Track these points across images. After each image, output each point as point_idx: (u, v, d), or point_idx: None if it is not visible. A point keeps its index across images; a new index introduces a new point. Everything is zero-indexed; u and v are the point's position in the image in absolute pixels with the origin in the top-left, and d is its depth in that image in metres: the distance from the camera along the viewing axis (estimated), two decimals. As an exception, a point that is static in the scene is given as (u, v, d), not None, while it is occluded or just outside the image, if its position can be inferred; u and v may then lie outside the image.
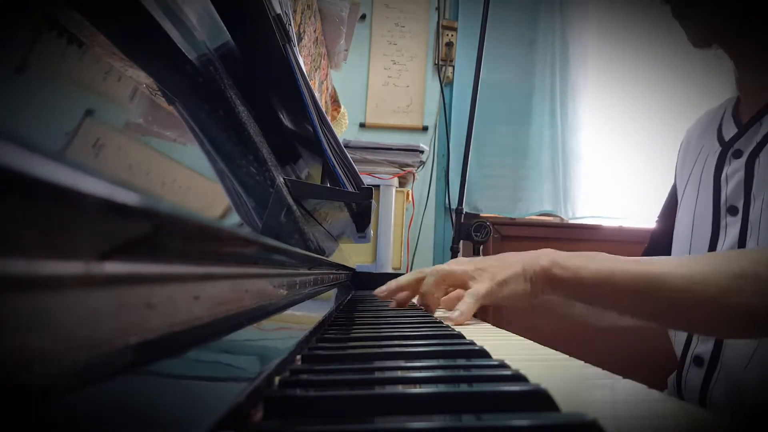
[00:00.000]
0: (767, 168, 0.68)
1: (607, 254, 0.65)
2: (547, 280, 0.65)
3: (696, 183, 0.80)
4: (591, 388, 0.32)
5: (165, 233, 0.17)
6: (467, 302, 0.64)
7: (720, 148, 0.77)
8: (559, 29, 2.50)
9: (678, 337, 0.82)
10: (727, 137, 0.77)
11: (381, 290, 0.75)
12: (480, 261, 0.69)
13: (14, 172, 0.10)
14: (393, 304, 0.77)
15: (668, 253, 0.87)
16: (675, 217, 0.88)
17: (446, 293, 0.73)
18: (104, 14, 0.25)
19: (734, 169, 0.73)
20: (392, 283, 0.74)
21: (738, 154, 0.73)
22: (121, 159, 0.23)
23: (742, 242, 0.70)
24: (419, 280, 0.72)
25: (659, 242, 0.93)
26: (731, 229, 0.72)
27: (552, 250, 0.67)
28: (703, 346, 0.75)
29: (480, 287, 0.65)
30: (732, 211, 0.73)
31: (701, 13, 0.71)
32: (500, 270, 0.66)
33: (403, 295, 0.77)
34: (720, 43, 0.73)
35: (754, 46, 0.71)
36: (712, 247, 0.75)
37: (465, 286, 0.67)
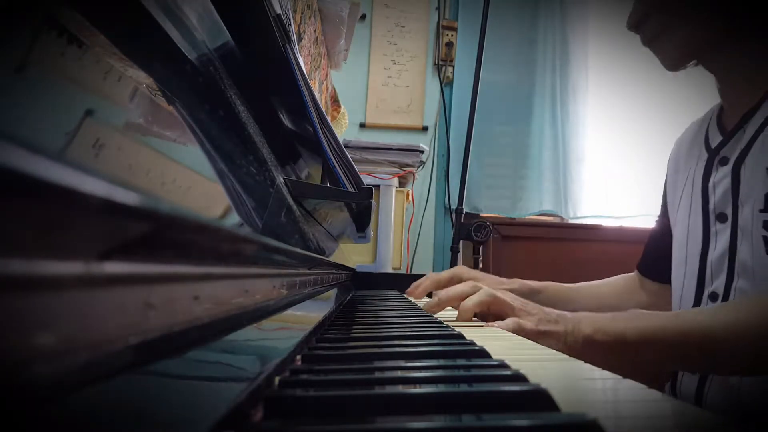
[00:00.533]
0: (753, 174, 0.68)
1: (644, 311, 0.64)
2: (591, 347, 0.63)
3: (689, 194, 0.81)
4: (591, 388, 0.32)
5: (165, 233, 0.17)
6: (510, 324, 0.62)
7: (707, 156, 0.78)
8: (559, 29, 2.50)
9: None
10: (713, 145, 0.78)
11: (432, 305, 0.72)
12: (526, 302, 0.68)
13: (14, 172, 0.10)
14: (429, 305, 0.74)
15: (660, 258, 0.90)
16: (666, 223, 0.91)
17: (483, 318, 0.70)
18: (104, 14, 0.25)
19: (721, 177, 0.74)
20: (442, 295, 0.71)
21: (724, 162, 0.74)
22: (121, 159, 0.23)
23: (732, 248, 0.71)
24: (468, 294, 0.70)
25: (659, 240, 0.94)
26: (721, 235, 0.74)
27: (591, 315, 0.65)
28: None
29: (525, 323, 0.63)
30: (721, 218, 0.74)
31: (678, 36, 0.72)
32: (544, 322, 0.64)
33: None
34: (699, 60, 0.75)
35: (734, 59, 0.73)
36: (704, 253, 0.76)
37: (503, 317, 0.65)
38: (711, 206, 0.76)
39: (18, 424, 0.11)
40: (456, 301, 0.70)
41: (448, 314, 0.75)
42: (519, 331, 0.62)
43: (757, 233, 0.67)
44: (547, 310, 0.67)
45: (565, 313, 0.66)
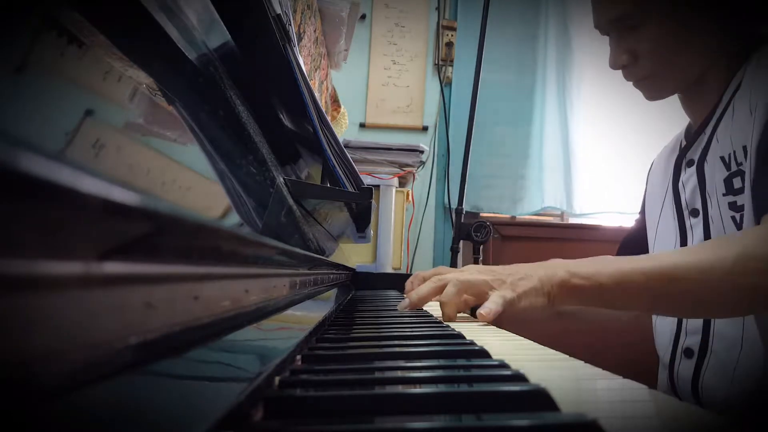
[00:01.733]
0: (713, 169, 0.76)
1: (612, 256, 0.68)
2: (566, 292, 0.66)
3: (670, 199, 0.88)
4: (591, 388, 0.32)
5: (165, 233, 0.17)
6: (496, 301, 0.64)
7: (676, 156, 0.87)
8: (560, 27, 2.50)
9: (661, 338, 0.88)
10: (678, 150, 0.88)
11: (404, 306, 0.71)
12: (497, 271, 0.69)
13: (14, 172, 0.10)
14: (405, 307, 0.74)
15: (641, 246, 0.96)
16: (644, 225, 0.97)
17: (465, 303, 0.71)
18: (104, 14, 0.25)
19: (688, 176, 0.83)
20: (413, 296, 0.71)
21: (690, 163, 0.83)
22: (121, 159, 0.23)
23: (707, 237, 0.78)
24: (440, 289, 0.71)
25: (632, 238, 1.02)
26: (696, 228, 0.81)
27: (562, 261, 0.69)
28: (691, 339, 0.80)
29: (504, 293, 0.65)
30: (694, 213, 0.82)
31: (666, 80, 0.81)
32: (518, 282, 0.66)
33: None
34: (673, 92, 0.84)
35: (702, 86, 0.82)
36: (683, 246, 0.82)
37: (484, 297, 0.66)
38: (683, 203, 0.83)
39: (18, 424, 0.11)
40: (427, 300, 0.71)
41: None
42: (504, 304, 0.63)
43: (726, 215, 0.73)
44: (515, 267, 0.69)
45: (534, 264, 0.70)
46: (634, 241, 1.00)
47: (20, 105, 0.17)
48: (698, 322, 0.79)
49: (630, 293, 0.65)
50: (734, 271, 0.60)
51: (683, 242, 0.83)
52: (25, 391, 0.11)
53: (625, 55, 0.81)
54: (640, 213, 1.04)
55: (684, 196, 0.83)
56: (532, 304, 0.66)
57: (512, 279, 0.66)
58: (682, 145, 0.88)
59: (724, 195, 0.73)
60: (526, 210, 2.43)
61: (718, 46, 0.79)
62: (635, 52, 0.80)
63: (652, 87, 0.83)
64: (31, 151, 0.10)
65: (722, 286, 0.61)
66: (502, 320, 0.65)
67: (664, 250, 0.72)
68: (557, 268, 0.67)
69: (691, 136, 0.86)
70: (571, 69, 2.48)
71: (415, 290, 0.72)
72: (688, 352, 0.80)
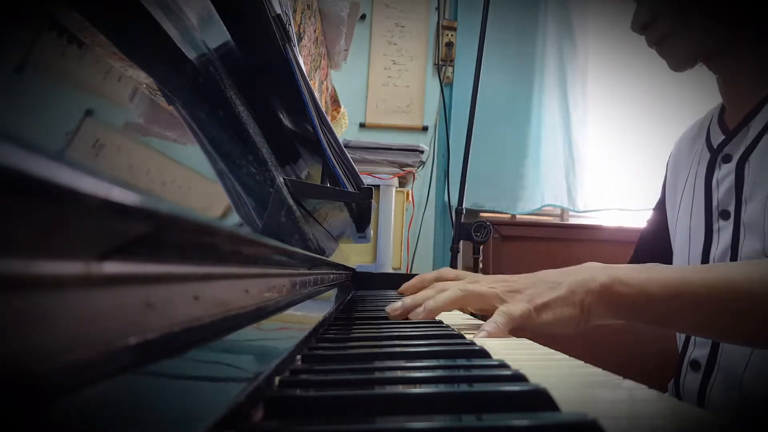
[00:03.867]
0: (758, 171, 0.68)
1: (662, 265, 0.59)
2: (606, 301, 0.55)
3: (690, 192, 0.80)
4: (591, 388, 0.32)
5: (165, 233, 0.17)
6: (497, 321, 0.53)
7: (709, 155, 0.78)
8: (559, 27, 2.50)
9: (679, 345, 0.83)
10: (715, 144, 0.78)
11: (395, 308, 0.61)
12: (512, 281, 0.59)
13: (14, 172, 0.10)
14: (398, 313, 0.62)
15: (660, 249, 0.89)
16: (664, 217, 0.90)
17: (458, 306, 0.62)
18: (104, 14, 0.25)
19: (724, 174, 0.74)
20: (408, 300, 0.61)
21: (727, 159, 0.74)
22: (121, 159, 0.23)
23: (735, 245, 0.70)
24: (438, 292, 0.61)
25: (652, 239, 0.94)
26: (723, 233, 0.72)
27: (603, 265, 0.58)
28: (699, 351, 0.76)
29: (514, 308, 0.55)
30: (724, 215, 0.73)
31: (687, 40, 0.72)
32: (539, 292, 0.56)
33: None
34: (705, 62, 0.75)
35: (738, 61, 0.73)
36: (706, 251, 0.75)
37: (491, 310, 0.56)
38: (714, 203, 0.75)
39: (18, 424, 0.11)
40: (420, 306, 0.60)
41: (448, 315, 0.75)
42: (512, 321, 0.54)
43: (760, 229, 0.65)
44: (539, 274, 0.59)
45: (566, 269, 0.59)
46: (654, 238, 0.92)
47: (20, 105, 0.17)
48: None
49: (687, 308, 0.54)
50: None
51: (707, 245, 0.74)
52: (25, 391, 0.11)
53: (646, 13, 0.74)
54: (654, 209, 0.97)
55: (716, 195, 0.74)
56: (558, 318, 0.55)
57: (531, 289, 0.57)
58: (713, 137, 0.79)
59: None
60: (527, 208, 2.43)
61: (749, 7, 0.70)
62: (654, 8, 0.74)
63: (673, 48, 0.74)
64: (31, 151, 0.10)
65: None
66: (525, 334, 0.55)
67: (734, 262, 0.62)
68: (596, 272, 0.56)
69: (727, 127, 0.77)
70: (574, 66, 2.49)
71: (414, 296, 0.62)
72: (694, 365, 0.76)
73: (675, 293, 0.54)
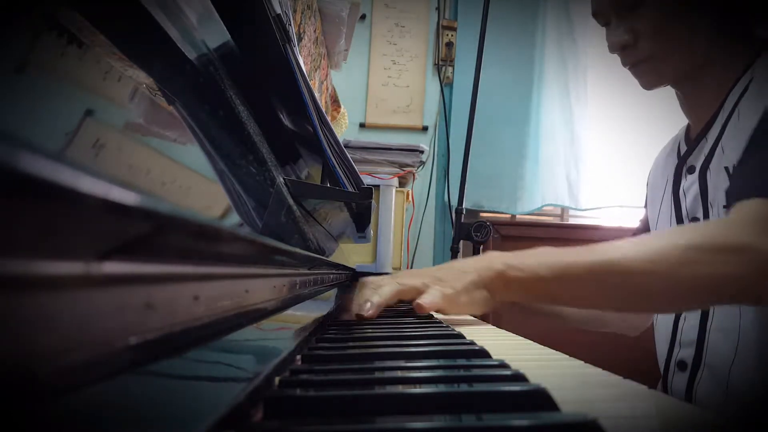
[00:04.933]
0: (717, 177, 0.73)
1: (553, 248, 0.65)
2: (504, 284, 0.63)
3: (668, 203, 0.86)
4: (591, 388, 0.32)
5: (165, 233, 0.17)
6: (434, 294, 0.62)
7: (676, 162, 0.85)
8: (562, 25, 2.50)
9: (659, 348, 0.87)
10: (680, 155, 0.85)
11: (367, 310, 0.62)
12: (434, 271, 0.67)
13: (14, 172, 0.10)
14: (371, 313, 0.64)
15: None
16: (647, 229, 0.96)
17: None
18: (104, 14, 0.25)
19: (690, 183, 0.80)
20: (354, 308, 0.64)
21: (692, 170, 0.80)
22: (121, 159, 0.23)
23: None
24: (377, 287, 0.65)
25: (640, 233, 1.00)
26: None
27: (499, 253, 0.66)
28: (685, 351, 0.79)
29: (443, 289, 0.63)
30: (694, 221, 0.78)
31: (663, 66, 0.79)
32: (456, 279, 0.64)
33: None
34: (672, 83, 0.83)
35: (701, 82, 0.80)
36: None
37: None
38: (684, 212, 0.81)
39: (18, 424, 0.11)
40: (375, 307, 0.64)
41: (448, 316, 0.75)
42: (439, 300, 0.61)
43: None
44: (452, 264, 0.67)
45: (471, 258, 0.68)
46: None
47: (20, 105, 0.17)
48: (692, 335, 0.77)
49: (572, 286, 0.62)
50: (679, 263, 0.57)
51: None
52: (25, 391, 0.11)
53: (627, 35, 0.78)
54: (645, 206, 1.02)
55: (684, 204, 0.81)
56: (473, 299, 0.63)
57: (449, 277, 0.64)
58: (682, 151, 0.86)
59: (725, 207, 0.69)
60: (527, 208, 2.43)
61: (719, 37, 0.76)
62: (636, 31, 0.78)
63: (650, 71, 0.80)
64: (31, 150, 0.10)
65: (666, 279, 0.58)
66: (487, 318, 0.63)
67: (616, 241, 0.68)
68: (494, 260, 0.65)
69: (691, 141, 0.84)
70: (575, 65, 2.48)
71: (355, 299, 0.66)
72: (681, 365, 0.79)
73: (560, 274, 0.61)
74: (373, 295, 0.63)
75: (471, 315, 0.69)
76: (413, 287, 0.65)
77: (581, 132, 2.47)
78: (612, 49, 0.82)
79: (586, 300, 0.66)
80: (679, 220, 0.82)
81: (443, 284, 0.64)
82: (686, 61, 0.78)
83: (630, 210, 2.46)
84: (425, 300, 0.62)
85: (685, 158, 0.83)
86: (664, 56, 0.78)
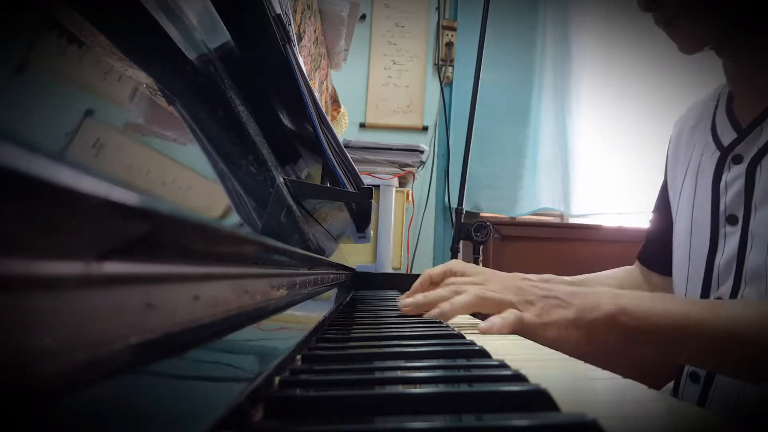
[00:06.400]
0: None
1: (673, 295, 0.59)
2: (610, 329, 0.56)
3: (692, 186, 0.76)
4: (591, 388, 0.32)
5: (165, 233, 0.17)
6: (506, 318, 0.55)
7: (719, 153, 0.73)
8: (559, 28, 2.50)
9: None
10: (725, 141, 0.73)
11: (406, 304, 0.62)
12: (528, 290, 0.59)
13: (14, 172, 0.10)
14: (408, 309, 0.64)
15: (666, 249, 0.85)
16: (668, 212, 0.86)
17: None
18: (104, 14, 0.25)
19: (734, 176, 0.70)
20: (420, 298, 0.62)
21: (738, 159, 0.70)
22: (121, 159, 0.23)
23: (741, 253, 0.67)
24: (453, 293, 0.61)
25: (661, 231, 0.90)
26: (730, 239, 0.69)
27: (613, 293, 0.58)
28: None
29: (525, 316, 0.57)
30: (731, 220, 0.70)
31: (699, 19, 0.67)
32: (549, 309, 0.57)
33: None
34: (715, 47, 0.70)
35: (753, 48, 0.68)
36: (711, 256, 0.72)
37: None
38: (721, 207, 0.71)
39: (18, 424, 0.11)
40: (434, 306, 0.61)
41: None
42: (518, 325, 0.56)
43: (766, 240, 0.63)
44: (553, 289, 0.60)
45: (577, 288, 0.60)
46: (660, 237, 0.89)
47: (20, 105, 0.17)
48: None
49: (686, 345, 0.55)
50: None
51: (712, 251, 0.71)
52: (25, 391, 0.11)
53: None
54: (653, 211, 0.93)
55: (724, 199, 0.70)
56: (561, 336, 0.56)
57: (543, 303, 0.57)
58: (717, 130, 0.74)
59: None
60: (525, 210, 2.43)
61: None
62: None
63: (682, 31, 0.68)
64: (31, 151, 0.10)
65: None
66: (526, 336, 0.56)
67: (733, 300, 0.61)
68: (602, 298, 0.57)
69: (739, 125, 0.72)
70: (569, 69, 2.48)
71: (426, 294, 0.63)
72: (693, 377, 0.73)
73: (675, 328, 0.55)
74: (446, 303, 0.58)
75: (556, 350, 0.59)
76: (495, 304, 0.59)
77: (575, 138, 2.46)
78: (641, 7, 0.70)
79: (697, 362, 0.61)
80: (715, 216, 0.72)
81: (531, 310, 0.57)
82: (725, 12, 0.66)
83: (625, 216, 2.44)
84: (489, 324, 0.55)
85: (732, 146, 0.71)
86: (697, 8, 0.66)
